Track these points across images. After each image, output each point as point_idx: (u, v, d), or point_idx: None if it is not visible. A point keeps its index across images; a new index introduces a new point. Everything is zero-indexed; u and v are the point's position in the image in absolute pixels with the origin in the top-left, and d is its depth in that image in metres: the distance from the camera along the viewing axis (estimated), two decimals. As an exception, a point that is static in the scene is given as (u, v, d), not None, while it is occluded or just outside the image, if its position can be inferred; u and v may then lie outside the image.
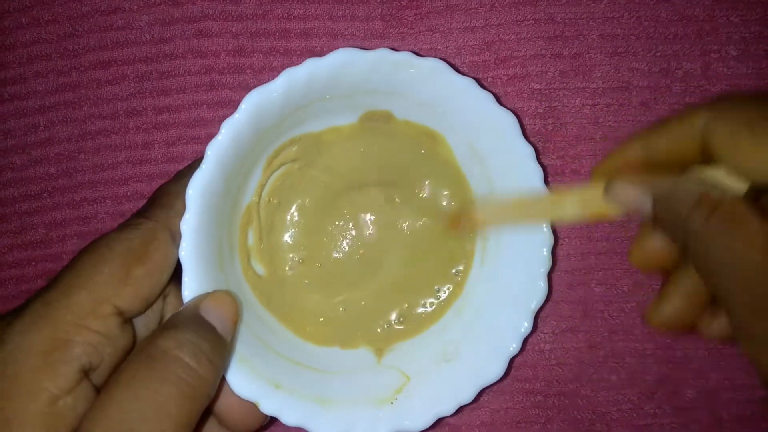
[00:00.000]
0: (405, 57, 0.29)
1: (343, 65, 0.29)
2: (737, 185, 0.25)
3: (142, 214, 0.28)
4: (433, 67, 0.30)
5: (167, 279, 0.27)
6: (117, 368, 0.26)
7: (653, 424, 0.35)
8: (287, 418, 0.29)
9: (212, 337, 0.25)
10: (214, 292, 0.28)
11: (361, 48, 0.29)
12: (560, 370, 0.35)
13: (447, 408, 0.31)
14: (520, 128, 0.30)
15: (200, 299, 0.27)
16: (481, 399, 0.35)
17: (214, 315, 0.26)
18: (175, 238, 0.27)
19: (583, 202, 0.29)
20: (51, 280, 0.26)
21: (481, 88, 0.30)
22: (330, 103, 0.31)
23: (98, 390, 0.25)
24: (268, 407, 0.29)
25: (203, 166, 0.28)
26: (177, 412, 0.23)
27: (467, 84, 0.30)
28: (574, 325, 0.35)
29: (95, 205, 0.36)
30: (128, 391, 0.23)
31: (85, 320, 0.25)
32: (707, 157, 0.25)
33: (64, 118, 0.36)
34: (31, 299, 0.26)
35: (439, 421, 0.31)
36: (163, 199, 0.28)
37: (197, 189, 0.28)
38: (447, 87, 0.30)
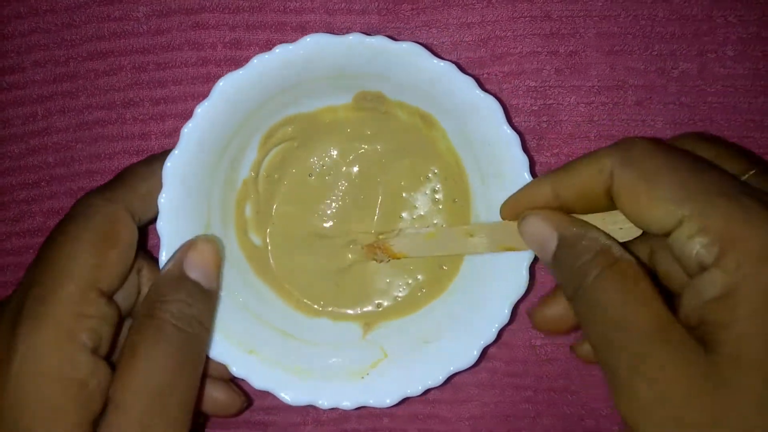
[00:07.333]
0: (378, 41, 0.29)
1: (315, 51, 0.29)
2: (633, 231, 0.27)
3: (104, 194, 0.30)
4: (409, 51, 0.29)
5: (134, 253, 0.30)
6: (118, 339, 0.30)
7: (641, 421, 0.35)
8: (256, 382, 0.31)
9: (200, 299, 0.28)
10: (195, 242, 0.29)
11: (333, 34, 0.29)
12: (550, 366, 0.36)
13: (415, 389, 0.31)
14: (503, 114, 0.30)
15: (182, 254, 0.29)
16: (472, 392, 0.36)
17: (198, 270, 0.29)
18: (134, 216, 0.30)
19: (492, 237, 0.31)
20: (26, 275, 0.28)
21: (461, 73, 0.29)
22: (322, 83, 0.31)
23: (106, 359, 0.28)
24: (238, 371, 0.31)
25: (175, 151, 0.30)
26: (188, 371, 0.27)
27: (446, 68, 0.29)
28: (564, 321, 0.35)
29: (92, 195, 0.36)
30: (146, 362, 0.26)
31: (80, 309, 0.27)
32: (612, 201, 0.26)
33: (62, 108, 0.36)
34: (18, 297, 0.28)
35: (405, 401, 0.32)
36: (128, 179, 0.31)
37: (169, 169, 0.30)
38: (427, 71, 0.30)
